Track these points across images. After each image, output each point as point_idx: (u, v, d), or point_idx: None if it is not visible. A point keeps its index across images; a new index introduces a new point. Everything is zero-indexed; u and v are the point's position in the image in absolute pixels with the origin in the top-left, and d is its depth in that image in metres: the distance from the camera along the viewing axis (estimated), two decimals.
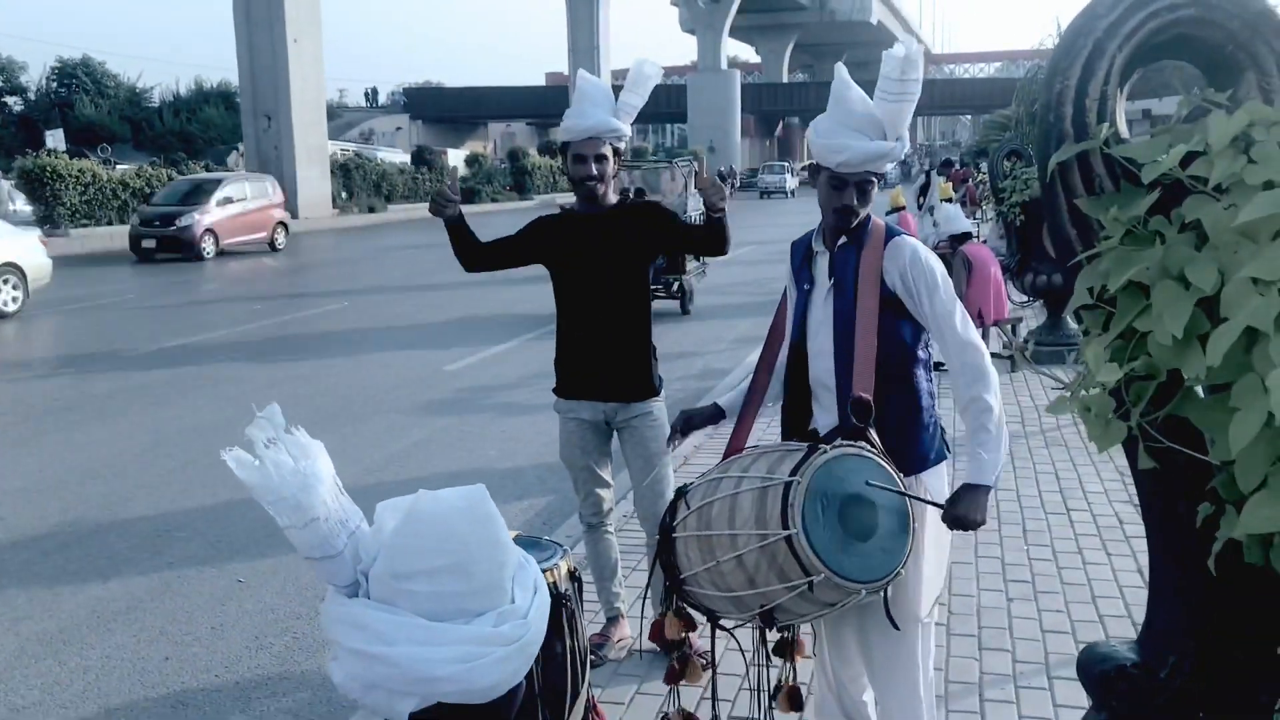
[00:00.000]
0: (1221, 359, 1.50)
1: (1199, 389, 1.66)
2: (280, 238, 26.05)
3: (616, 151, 4.03)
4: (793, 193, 52.01)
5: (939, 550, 3.05)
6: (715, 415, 3.31)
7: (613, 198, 4.11)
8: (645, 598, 3.27)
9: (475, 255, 4.21)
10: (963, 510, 2.69)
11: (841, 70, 2.98)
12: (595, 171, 3.95)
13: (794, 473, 2.55)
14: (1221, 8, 1.72)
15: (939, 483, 3.00)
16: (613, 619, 4.40)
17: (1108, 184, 1.75)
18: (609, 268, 4.06)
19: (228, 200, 24.60)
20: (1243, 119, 1.59)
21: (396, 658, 1.30)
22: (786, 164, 58.55)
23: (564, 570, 3.24)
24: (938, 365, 3.07)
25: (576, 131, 3.94)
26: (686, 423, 3.32)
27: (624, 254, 4.07)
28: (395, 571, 1.32)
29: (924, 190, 19.95)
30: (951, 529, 2.73)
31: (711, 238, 3.99)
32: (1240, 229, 1.54)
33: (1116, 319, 1.66)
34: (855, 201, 2.94)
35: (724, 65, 71.45)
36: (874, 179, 2.93)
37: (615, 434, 4.22)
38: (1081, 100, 1.76)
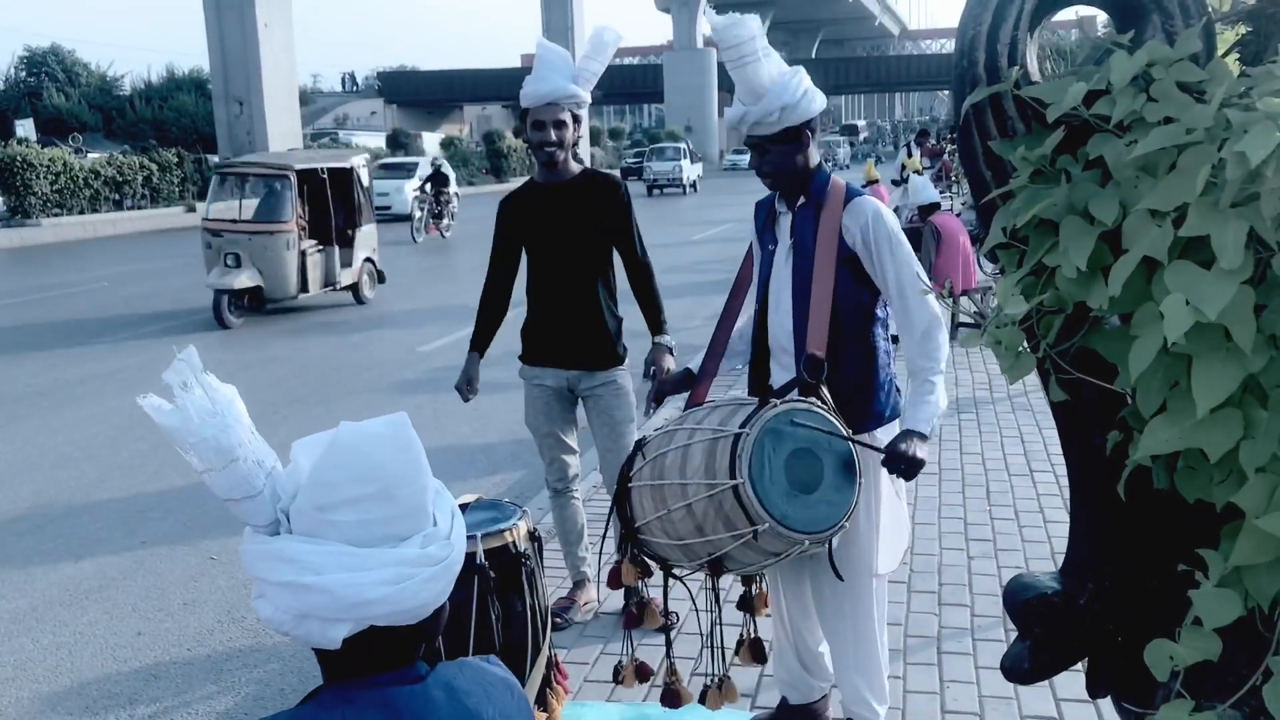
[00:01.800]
0: (1121, 289, 1.55)
1: (1109, 321, 1.72)
2: None
3: (576, 119, 4.04)
4: (694, 185, 40.38)
5: (894, 507, 3.11)
6: (686, 379, 3.36)
7: (574, 166, 4.13)
8: (603, 543, 3.32)
9: (505, 306, 4.40)
10: (901, 448, 2.75)
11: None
12: (554, 138, 3.96)
13: (744, 425, 2.61)
14: None
15: (891, 439, 3.06)
16: (579, 583, 4.46)
17: (1019, 126, 1.80)
18: (571, 237, 4.09)
19: None
20: (1142, 58, 1.65)
21: (328, 585, 1.34)
22: (684, 145, 43.03)
23: (523, 530, 3.31)
24: (894, 338, 3.13)
25: (535, 97, 3.96)
26: (661, 391, 3.38)
27: (585, 224, 4.10)
28: (319, 503, 1.36)
29: (902, 165, 20.02)
30: (892, 472, 2.78)
31: (642, 282, 4.22)
32: (1139, 163, 1.60)
33: (1028, 256, 1.71)
34: (759, 162, 3.02)
35: (700, 44, 71.21)
36: (768, 140, 2.96)
37: (580, 402, 4.27)
38: (994, 45, 1.81)
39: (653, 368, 3.79)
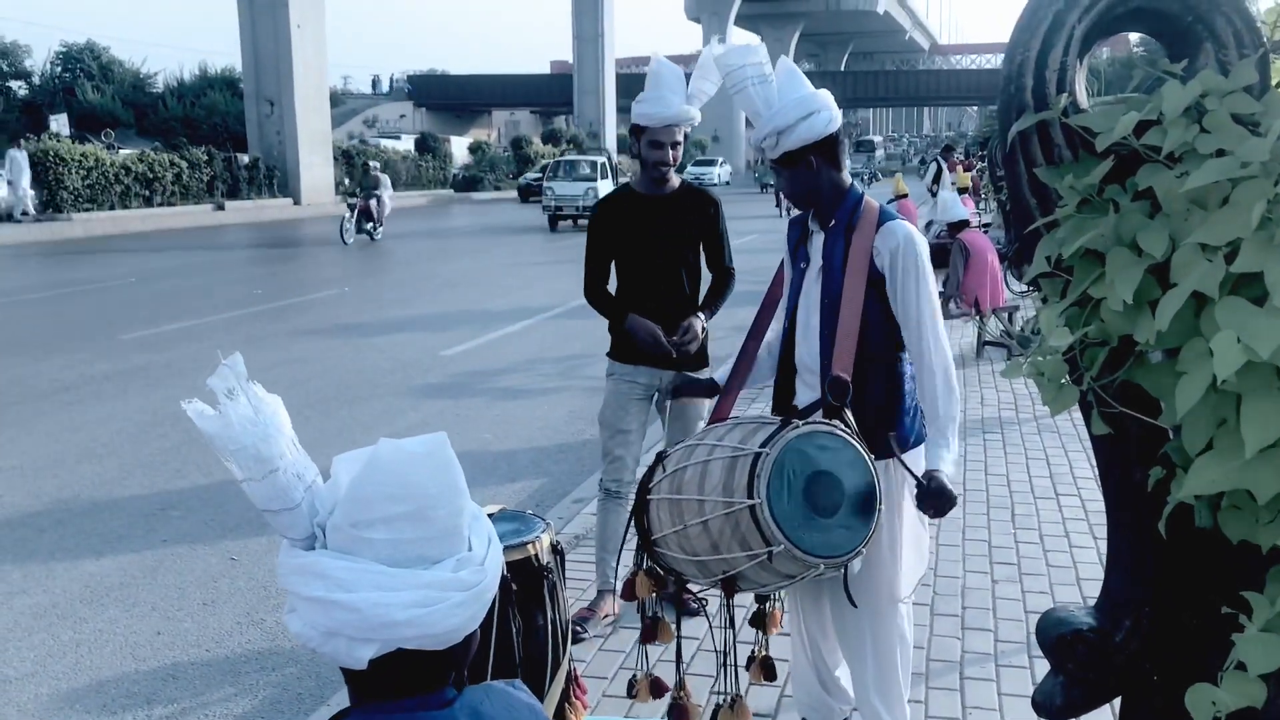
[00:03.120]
0: (1169, 323, 1.52)
1: (1152, 356, 1.69)
2: None
3: (686, 136, 4.28)
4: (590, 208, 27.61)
5: (918, 533, 3.08)
6: (710, 388, 3.37)
7: (675, 179, 4.36)
8: (619, 554, 3.31)
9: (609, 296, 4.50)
10: (932, 487, 2.72)
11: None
12: (671, 158, 4.20)
13: (764, 445, 2.58)
14: None
15: (918, 465, 3.03)
16: (603, 592, 4.44)
17: (1066, 154, 1.78)
18: (675, 247, 4.33)
19: None
20: (1195, 89, 1.62)
21: (357, 603, 1.32)
22: (606, 159, 32.50)
23: (546, 543, 3.28)
24: None
25: (656, 119, 4.12)
26: (681, 389, 3.45)
27: (684, 233, 4.36)
28: (354, 520, 1.35)
29: (936, 178, 19.95)
30: (924, 511, 2.76)
31: (717, 282, 4.51)
32: (1190, 196, 1.57)
33: (1072, 286, 1.69)
34: (776, 183, 3.03)
35: None
36: (776, 162, 2.97)
37: (658, 405, 4.30)
38: (1041, 71, 1.78)
39: (683, 327, 4.17)
